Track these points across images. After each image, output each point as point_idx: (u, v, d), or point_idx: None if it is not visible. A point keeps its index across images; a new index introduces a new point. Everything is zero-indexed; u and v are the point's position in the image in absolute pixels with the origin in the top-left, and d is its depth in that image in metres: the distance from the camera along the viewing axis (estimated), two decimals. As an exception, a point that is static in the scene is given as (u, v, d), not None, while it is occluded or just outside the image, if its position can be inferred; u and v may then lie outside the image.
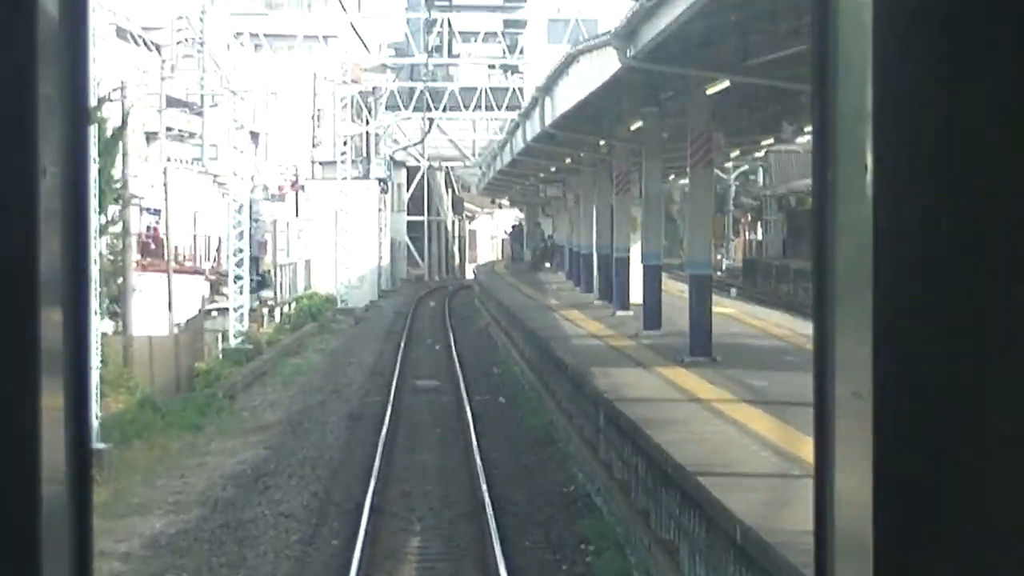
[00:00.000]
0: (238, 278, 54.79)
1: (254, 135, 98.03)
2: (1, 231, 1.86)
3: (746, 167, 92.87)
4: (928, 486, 1.83)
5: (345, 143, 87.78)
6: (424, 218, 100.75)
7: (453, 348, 50.69)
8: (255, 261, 78.04)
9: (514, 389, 38.78)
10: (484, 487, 24.92)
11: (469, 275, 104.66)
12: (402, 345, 52.50)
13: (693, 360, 27.01)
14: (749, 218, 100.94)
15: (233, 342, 51.68)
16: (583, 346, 32.02)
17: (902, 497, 1.82)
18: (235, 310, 53.49)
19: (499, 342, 50.85)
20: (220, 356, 49.61)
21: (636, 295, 41.52)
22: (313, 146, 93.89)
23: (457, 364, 45.07)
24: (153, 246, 65.52)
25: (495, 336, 53.31)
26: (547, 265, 75.73)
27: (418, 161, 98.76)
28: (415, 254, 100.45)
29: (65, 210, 1.97)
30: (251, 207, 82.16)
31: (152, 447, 32.12)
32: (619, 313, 39.54)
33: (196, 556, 21.77)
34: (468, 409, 34.85)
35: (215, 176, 73.64)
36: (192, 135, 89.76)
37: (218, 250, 67.15)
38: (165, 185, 57.26)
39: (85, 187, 2.03)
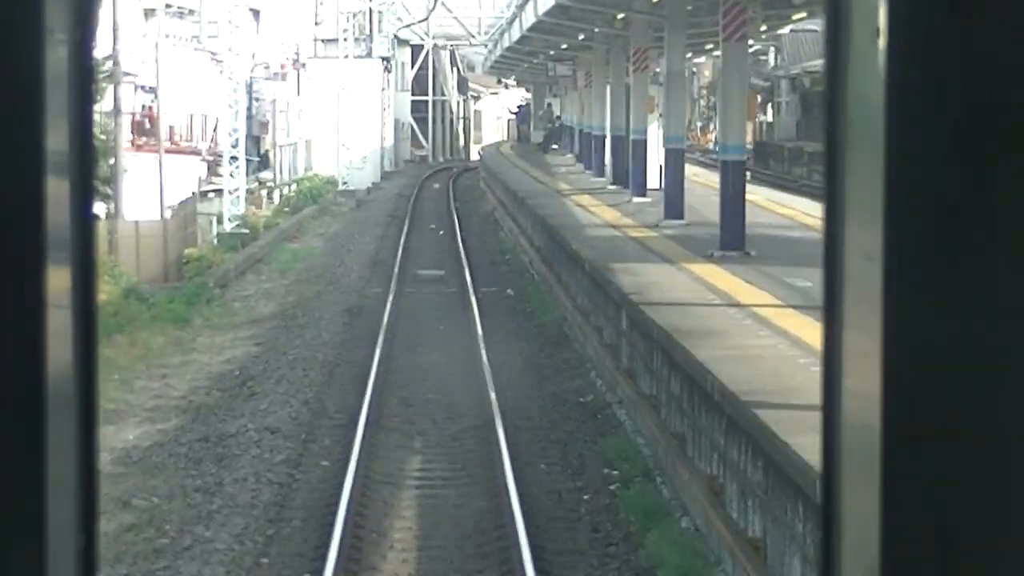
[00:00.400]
0: (233, 159, 51.81)
1: (255, 12, 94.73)
2: (5, 97, 1.76)
3: (757, 47, 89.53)
4: (940, 421, 1.76)
5: (349, 20, 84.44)
6: (428, 98, 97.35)
7: (458, 234, 47.81)
8: (256, 141, 74.99)
9: (523, 281, 35.97)
10: (493, 396, 22.16)
11: (474, 156, 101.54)
12: (405, 230, 49.62)
13: (724, 255, 24.17)
14: (759, 100, 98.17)
15: (228, 226, 48.83)
16: (599, 237, 29.16)
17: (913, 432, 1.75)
18: (230, 192, 50.58)
19: (506, 228, 47.98)
20: (215, 241, 46.79)
21: (652, 180, 38.67)
22: (315, 24, 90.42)
23: (462, 251, 42.22)
24: (148, 125, 62.66)
25: (502, 222, 50.43)
26: (554, 146, 72.55)
27: (422, 40, 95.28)
28: (419, 135, 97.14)
29: (71, 81, 1.85)
30: (251, 86, 79.36)
31: (134, 343, 29.36)
32: (636, 200, 36.67)
33: (169, 476, 19.06)
34: (474, 302, 32.06)
35: (213, 54, 70.40)
36: (192, 12, 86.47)
37: (215, 130, 64.08)
38: (157, 61, 54.13)
39: (89, 55, 1.87)
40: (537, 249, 36.30)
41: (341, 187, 70.10)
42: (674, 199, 30.89)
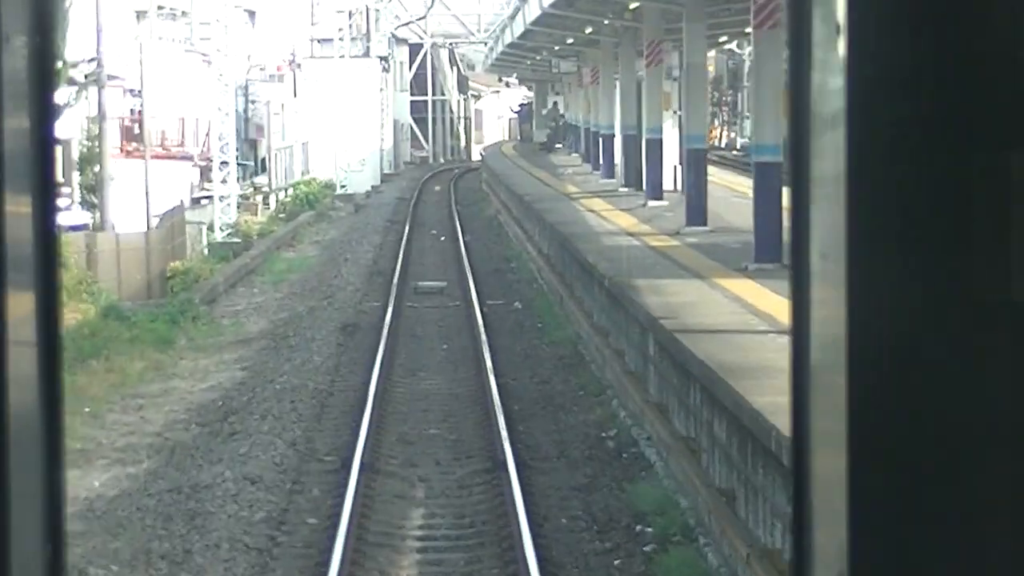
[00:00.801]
0: (224, 164, 49.10)
1: (250, 13, 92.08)
2: None
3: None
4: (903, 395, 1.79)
5: (345, 19, 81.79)
6: (428, 98, 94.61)
7: (460, 240, 45.10)
8: (252, 145, 72.28)
9: (531, 292, 33.28)
10: (503, 430, 19.44)
11: (476, 157, 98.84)
12: (405, 236, 46.90)
13: (760, 268, 21.45)
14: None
15: (219, 235, 46.15)
16: (616, 246, 26.45)
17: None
18: (221, 199, 47.87)
19: (511, 234, 45.28)
20: (205, 252, 44.11)
21: (666, 182, 36.01)
22: (312, 24, 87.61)
23: (465, 260, 39.52)
24: (138, 131, 60.07)
25: (506, 226, 47.74)
26: (558, 146, 69.78)
27: (421, 38, 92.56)
28: (419, 135, 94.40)
29: (31, 84, 1.81)
30: (247, 88, 76.73)
31: (111, 368, 26.64)
32: (651, 204, 33.98)
33: (133, 537, 16.34)
34: (479, 317, 29.36)
35: (204, 55, 67.69)
36: (184, 14, 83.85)
37: (208, 134, 61.34)
38: (141, 62, 51.47)
39: (50, 60, 1.83)
40: (546, 258, 33.62)
41: (339, 191, 67.39)
42: (697, 203, 28.16)
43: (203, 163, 59.50)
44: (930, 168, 1.75)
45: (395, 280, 35.62)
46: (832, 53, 1.77)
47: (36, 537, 1.81)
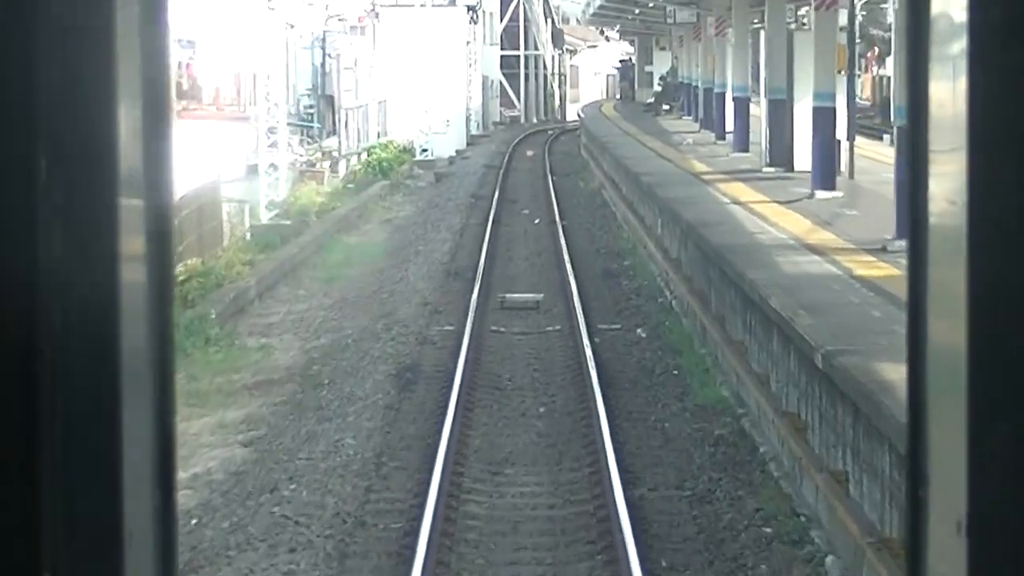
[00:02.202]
0: (272, 130, 40.33)
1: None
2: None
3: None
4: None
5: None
6: (520, 53, 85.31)
7: (559, 224, 36.03)
8: (329, 102, 63.40)
9: (657, 311, 24.26)
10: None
11: (571, 116, 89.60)
12: (490, 218, 37.91)
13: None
14: (877, 52, 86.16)
15: (264, 217, 37.36)
16: (803, 275, 17.30)
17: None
18: (267, 173, 39.10)
19: (619, 217, 36.22)
20: (248, 237, 35.36)
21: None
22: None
23: (565, 252, 30.51)
24: (186, 87, 51.45)
25: (613, 206, 38.66)
26: (666, 107, 60.24)
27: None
28: (510, 93, 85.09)
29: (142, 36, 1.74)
30: (324, 40, 67.97)
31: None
32: (820, 195, 24.80)
33: None
34: (589, 355, 20.36)
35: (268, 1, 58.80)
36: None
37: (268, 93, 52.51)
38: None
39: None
40: (676, 264, 24.61)
41: (420, 156, 58.41)
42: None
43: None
44: None
45: (476, 289, 26.61)
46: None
47: (147, 485, 1.77)
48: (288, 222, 36.75)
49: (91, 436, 1.66)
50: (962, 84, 1.67)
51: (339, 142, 55.03)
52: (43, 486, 1.62)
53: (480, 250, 31.72)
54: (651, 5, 48.90)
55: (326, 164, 54.48)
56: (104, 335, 1.65)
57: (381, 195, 46.87)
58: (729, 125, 40.63)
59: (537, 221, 38.33)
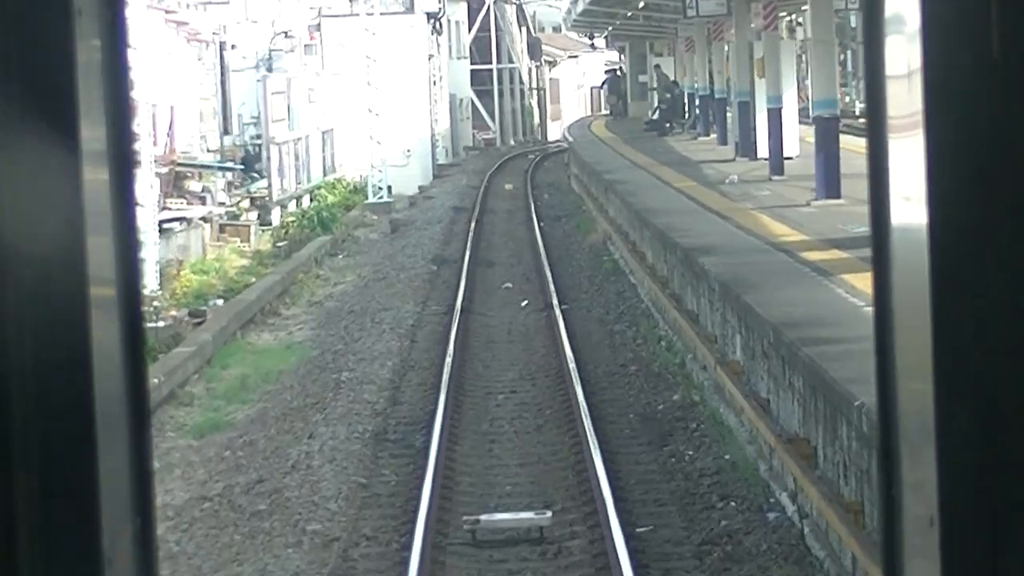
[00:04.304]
0: (179, 176, 28.28)
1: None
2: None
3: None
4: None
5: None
6: (492, 66, 73.04)
7: (559, 316, 23.77)
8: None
9: (734, 469, 12.15)
10: None
11: (553, 136, 77.38)
12: (458, 304, 25.68)
13: None
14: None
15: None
16: None
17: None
18: (163, 236, 27.09)
19: (650, 303, 24.07)
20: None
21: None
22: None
23: (580, 393, 18.15)
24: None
25: (637, 282, 26.49)
26: (668, 125, 47.81)
27: (482, -8, 71.07)
28: (483, 113, 72.72)
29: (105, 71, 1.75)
30: (270, 61, 55.94)
31: None
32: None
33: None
34: None
35: (180, 24, 46.56)
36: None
37: (170, 127, 40.24)
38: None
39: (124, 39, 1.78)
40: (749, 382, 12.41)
41: (373, 198, 46.13)
42: None
43: (165, 169, 38.54)
44: (1005, 116, 1.66)
45: (434, 459, 14.40)
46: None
47: (125, 510, 1.77)
48: (162, 323, 24.50)
49: (69, 466, 1.65)
50: (917, 85, 1.66)
51: (269, 184, 42.81)
52: (19, 516, 1.62)
53: (439, 378, 19.42)
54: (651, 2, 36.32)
55: (254, 215, 42.32)
56: (78, 365, 1.65)
57: (317, 257, 34.71)
58: (790, 153, 28.66)
59: (525, 303, 26.11)
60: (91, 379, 1.65)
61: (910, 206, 1.73)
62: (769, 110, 28.78)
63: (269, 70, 54.18)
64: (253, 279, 31.66)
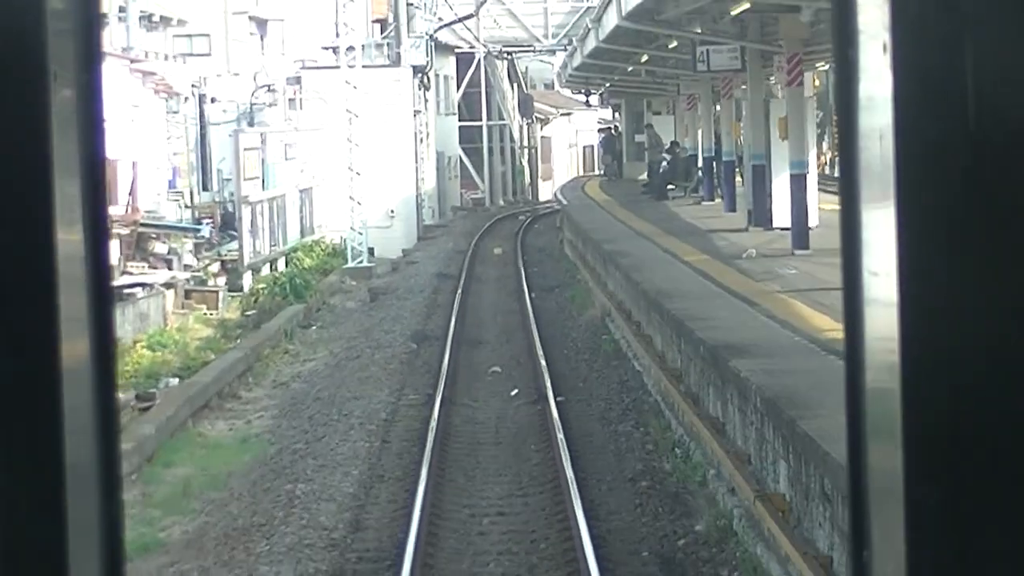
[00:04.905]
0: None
1: (260, 22, 68.22)
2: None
3: None
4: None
5: (383, 30, 57.93)
6: (482, 123, 69.94)
7: (551, 407, 20.48)
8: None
9: None
10: None
11: (544, 196, 74.22)
12: (439, 391, 22.39)
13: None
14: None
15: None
16: None
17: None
18: (125, 301, 23.46)
19: (648, 381, 20.82)
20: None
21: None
22: (337, 35, 62.47)
23: (581, 516, 14.84)
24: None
25: (635, 356, 23.25)
26: (672, 188, 44.62)
27: (472, 46, 67.99)
28: (471, 171, 69.53)
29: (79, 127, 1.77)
30: (251, 115, 53.11)
31: None
32: None
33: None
34: None
35: (147, 74, 43.48)
36: (175, 21, 60.11)
37: (132, 184, 36.97)
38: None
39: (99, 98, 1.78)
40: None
41: (352, 263, 42.86)
42: None
43: (127, 230, 35.34)
44: (979, 177, 1.68)
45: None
46: (878, 69, 1.71)
47: (94, 567, 1.74)
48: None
49: (35, 521, 1.63)
50: (888, 146, 1.68)
51: (240, 247, 39.52)
52: None
53: (413, 495, 16.08)
54: (672, 47, 33.16)
55: (222, 280, 39.05)
56: (47, 400, 1.63)
57: (288, 329, 31.45)
58: (811, 223, 25.46)
59: (515, 392, 22.80)
60: (62, 447, 1.64)
61: (881, 280, 1.72)
62: (793, 176, 25.54)
63: (251, 124, 51.25)
64: (214, 356, 28.40)
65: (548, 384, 22.40)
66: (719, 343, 15.98)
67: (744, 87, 32.06)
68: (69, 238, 1.68)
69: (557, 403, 21.07)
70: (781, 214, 28.80)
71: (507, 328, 29.90)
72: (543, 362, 24.44)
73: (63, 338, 1.63)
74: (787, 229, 27.66)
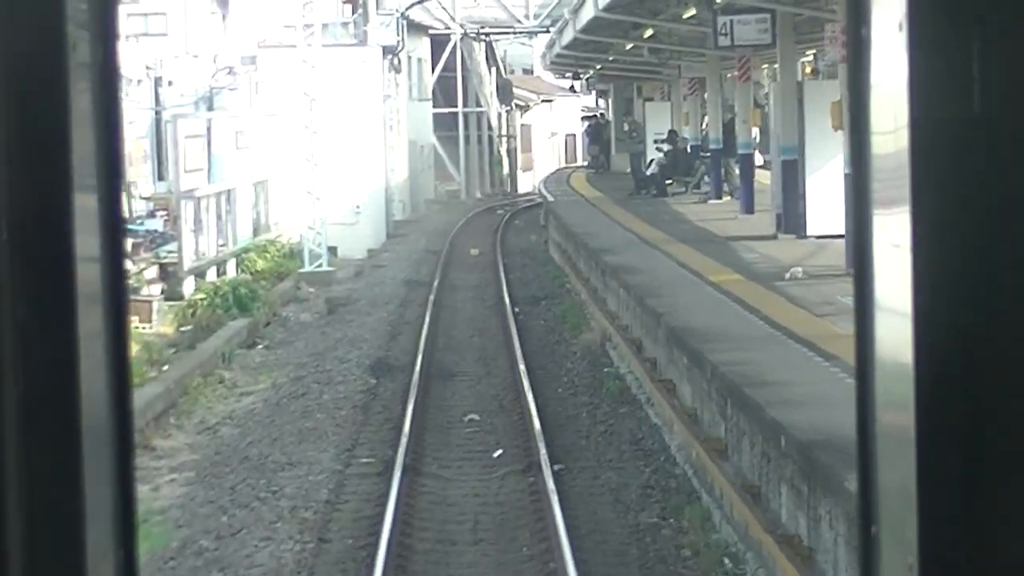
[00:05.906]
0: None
1: (222, 1, 62.54)
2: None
3: None
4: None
5: (354, 11, 52.42)
6: (458, 110, 64.48)
7: (550, 489, 15.19)
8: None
9: None
10: None
11: (524, 188, 68.94)
12: (402, 445, 17.11)
13: None
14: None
15: None
16: None
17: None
18: None
19: (671, 443, 15.61)
20: None
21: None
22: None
23: None
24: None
25: (650, 403, 18.03)
26: (669, 183, 39.36)
27: (447, 27, 62.60)
28: (446, 162, 64.08)
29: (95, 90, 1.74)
30: (211, 99, 47.90)
31: None
32: None
33: None
34: None
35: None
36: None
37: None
38: None
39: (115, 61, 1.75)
40: None
41: (309, 266, 37.49)
42: None
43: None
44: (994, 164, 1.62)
45: None
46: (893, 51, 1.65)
47: (108, 539, 1.73)
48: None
49: (54, 500, 1.61)
50: (904, 137, 1.62)
51: (179, 248, 34.10)
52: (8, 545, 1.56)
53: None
54: (687, 16, 27.53)
55: (156, 287, 33.65)
56: (65, 396, 1.61)
57: (227, 352, 26.17)
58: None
59: (499, 454, 17.50)
60: (79, 411, 1.62)
61: (899, 253, 1.65)
62: (848, 176, 20.35)
63: (210, 108, 46.22)
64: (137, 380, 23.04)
65: (541, 444, 17.11)
66: (807, 431, 10.67)
67: (765, 67, 26.76)
68: (84, 200, 1.62)
69: (554, 472, 15.83)
70: (817, 219, 23.69)
71: (487, 355, 24.57)
72: (532, 407, 19.17)
73: (80, 316, 1.58)
74: (824, 237, 22.57)
